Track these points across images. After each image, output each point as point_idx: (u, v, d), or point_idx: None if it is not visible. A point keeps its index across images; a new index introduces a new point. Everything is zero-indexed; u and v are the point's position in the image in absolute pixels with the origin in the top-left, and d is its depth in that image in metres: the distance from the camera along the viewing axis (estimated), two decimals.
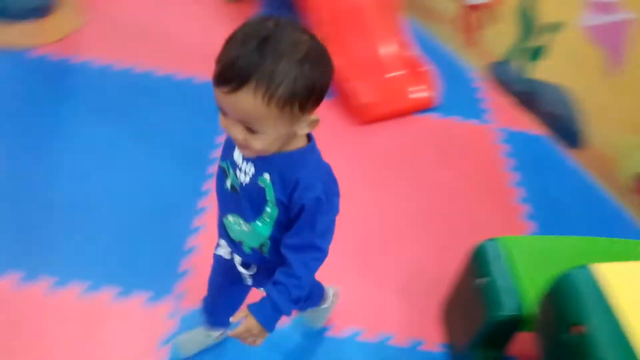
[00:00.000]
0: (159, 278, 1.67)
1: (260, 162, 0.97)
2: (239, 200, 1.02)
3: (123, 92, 2.29)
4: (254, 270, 1.15)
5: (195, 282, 1.66)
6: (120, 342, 1.53)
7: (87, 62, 2.38)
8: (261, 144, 0.89)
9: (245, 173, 0.99)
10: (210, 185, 1.94)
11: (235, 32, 0.83)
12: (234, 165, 1.01)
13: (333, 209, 1.01)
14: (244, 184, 1.00)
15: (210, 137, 2.13)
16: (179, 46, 2.52)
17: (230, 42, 0.83)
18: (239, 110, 0.84)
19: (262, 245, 1.07)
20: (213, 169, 1.94)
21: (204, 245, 1.76)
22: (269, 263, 1.09)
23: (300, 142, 0.97)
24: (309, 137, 0.99)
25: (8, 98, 2.18)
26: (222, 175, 1.06)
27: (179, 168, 2.03)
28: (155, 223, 1.82)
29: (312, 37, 0.86)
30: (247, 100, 0.81)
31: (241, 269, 1.16)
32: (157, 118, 2.20)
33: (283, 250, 1.01)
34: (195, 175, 2.00)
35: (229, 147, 1.02)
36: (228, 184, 1.04)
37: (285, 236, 1.01)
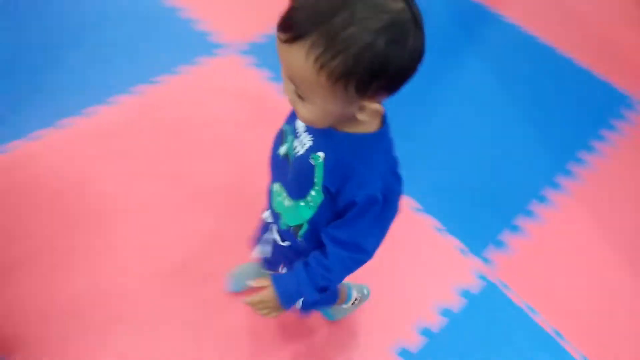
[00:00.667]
0: (478, 235, 1.69)
1: (320, 137, 0.84)
2: (288, 172, 0.91)
3: (522, 56, 2.30)
4: (287, 244, 1.03)
5: (507, 262, 1.63)
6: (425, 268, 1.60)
7: (502, 16, 2.45)
8: (307, 113, 0.75)
9: (302, 144, 0.87)
10: (564, 180, 1.85)
11: None
12: (294, 132, 0.89)
13: (391, 210, 0.86)
14: (296, 155, 0.88)
15: (584, 134, 2.03)
16: (591, 35, 2.40)
17: None
18: (289, 66, 0.70)
19: (298, 227, 0.94)
20: (573, 164, 1.85)
21: (531, 232, 1.71)
22: (298, 248, 0.98)
23: (369, 125, 0.80)
24: (384, 120, 0.82)
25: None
26: (279, 138, 0.95)
27: (542, 147, 1.97)
28: (499, 186, 1.83)
29: (411, 5, 0.67)
30: (299, 58, 0.67)
31: (277, 237, 1.05)
32: (544, 92, 2.18)
33: (323, 237, 0.89)
34: (554, 161, 1.93)
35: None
36: (282, 150, 0.93)
37: (331, 224, 0.88)
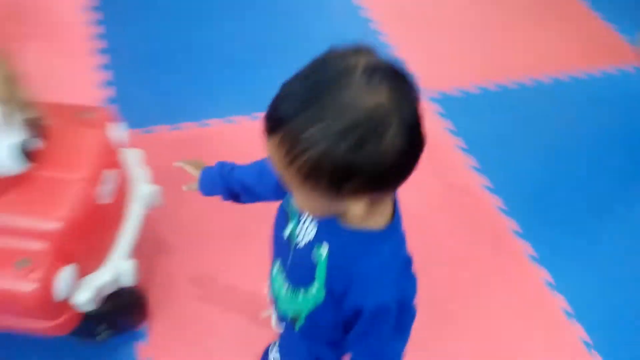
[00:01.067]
0: None
1: (324, 226, 0.75)
2: (289, 256, 0.82)
3: None
4: (283, 332, 0.95)
5: None
6: None
7: None
8: (298, 202, 0.71)
9: (304, 233, 0.78)
10: None
11: (316, 58, 0.62)
12: (299, 216, 0.80)
13: (408, 316, 0.78)
14: (298, 247, 0.80)
15: None
16: None
17: (300, 70, 0.62)
18: (270, 157, 0.65)
19: (295, 318, 0.84)
20: None
21: None
22: (294, 339, 0.90)
23: (375, 219, 0.71)
24: (395, 212, 0.74)
25: None
26: (283, 218, 0.84)
27: None
28: None
29: (395, 95, 0.58)
30: (272, 149, 0.63)
31: (275, 321, 0.98)
32: None
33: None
34: None
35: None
36: (287, 232, 0.83)
37: (346, 341, 0.80)
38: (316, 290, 0.77)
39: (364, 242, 0.72)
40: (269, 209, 0.94)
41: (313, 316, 0.81)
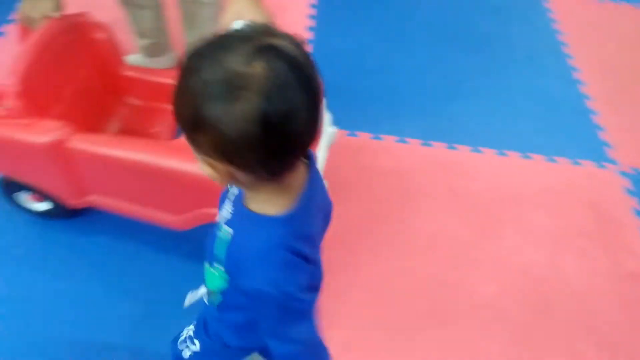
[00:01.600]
0: None
1: (236, 208, 0.76)
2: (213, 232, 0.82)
3: None
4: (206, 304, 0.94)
5: None
6: None
7: None
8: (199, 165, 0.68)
9: (224, 211, 0.79)
10: None
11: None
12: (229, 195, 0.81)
13: (300, 304, 0.74)
14: (218, 223, 0.80)
15: None
16: None
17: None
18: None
19: (210, 292, 0.87)
20: None
21: None
22: (211, 313, 0.93)
23: (272, 205, 0.71)
24: (299, 207, 0.72)
25: None
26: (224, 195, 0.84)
27: None
28: None
29: (267, 79, 0.58)
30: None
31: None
32: None
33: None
34: None
35: None
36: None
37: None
38: (218, 271, 0.79)
39: (254, 226, 0.72)
40: None
41: (226, 296, 0.83)
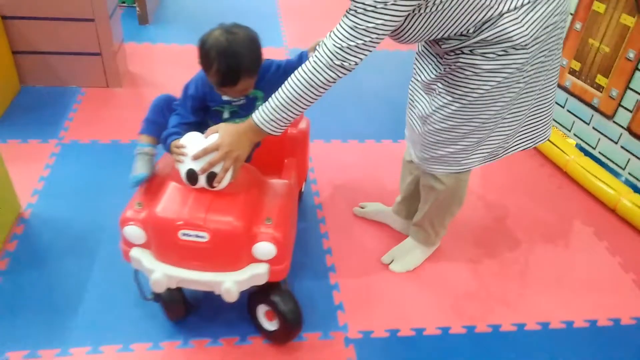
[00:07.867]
0: None
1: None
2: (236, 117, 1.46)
3: None
4: None
5: None
6: None
7: None
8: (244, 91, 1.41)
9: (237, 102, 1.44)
10: None
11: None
12: (229, 102, 1.43)
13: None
14: (237, 105, 1.44)
15: None
16: None
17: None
18: (243, 88, 1.38)
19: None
20: None
21: None
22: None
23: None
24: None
25: None
26: (218, 117, 1.45)
27: None
28: None
29: (226, 49, 1.29)
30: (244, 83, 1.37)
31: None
32: None
33: None
34: None
35: (212, 99, 1.42)
36: (226, 114, 1.45)
37: None
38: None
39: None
40: None
41: None
